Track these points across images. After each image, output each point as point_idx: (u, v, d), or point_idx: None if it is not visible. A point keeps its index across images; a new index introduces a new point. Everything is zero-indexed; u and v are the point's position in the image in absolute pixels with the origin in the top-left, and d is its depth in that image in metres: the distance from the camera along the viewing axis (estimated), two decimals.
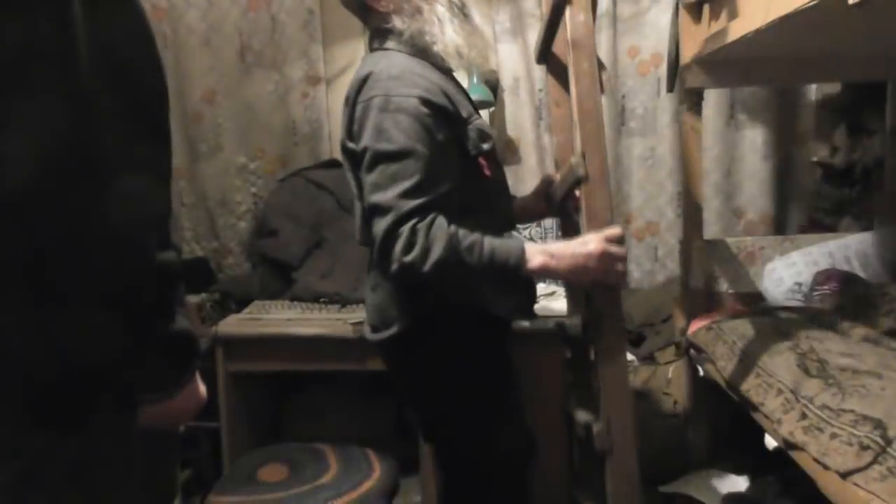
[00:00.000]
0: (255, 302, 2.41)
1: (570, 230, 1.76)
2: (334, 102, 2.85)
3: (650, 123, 2.74)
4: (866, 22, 1.07)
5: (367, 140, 1.34)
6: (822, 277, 2.00)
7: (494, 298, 1.46)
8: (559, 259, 1.35)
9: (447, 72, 1.51)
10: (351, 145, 1.43)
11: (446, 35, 1.45)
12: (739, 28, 1.66)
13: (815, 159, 2.62)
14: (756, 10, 1.53)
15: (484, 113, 2.75)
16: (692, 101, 2.10)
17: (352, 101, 1.42)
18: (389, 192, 1.30)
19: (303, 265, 2.50)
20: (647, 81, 2.73)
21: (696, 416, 2.13)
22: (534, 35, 2.70)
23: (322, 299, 2.35)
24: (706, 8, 1.97)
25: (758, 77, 2.07)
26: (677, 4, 2.10)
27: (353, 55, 2.83)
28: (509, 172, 2.79)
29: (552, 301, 2.32)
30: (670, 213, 2.73)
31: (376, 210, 1.32)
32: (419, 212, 1.30)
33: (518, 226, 2.20)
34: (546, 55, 1.86)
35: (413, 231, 1.29)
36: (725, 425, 2.07)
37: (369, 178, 1.34)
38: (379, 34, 1.50)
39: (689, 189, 2.13)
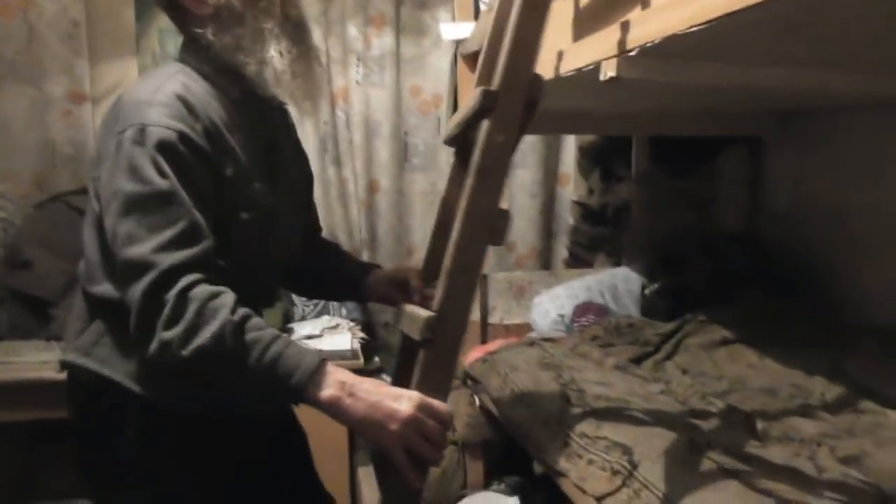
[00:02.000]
0: (3, 342, 2.15)
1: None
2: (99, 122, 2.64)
3: (431, 160, 2.87)
4: (616, 90, 1.23)
5: (117, 180, 1.06)
6: (581, 310, 2.21)
7: (167, 388, 1.14)
8: (357, 399, 1.04)
9: (265, 103, 1.24)
10: (95, 177, 1.15)
11: (266, 55, 1.18)
12: None
13: (574, 199, 2.91)
14: None
15: None
16: None
17: (103, 124, 1.17)
18: (147, 244, 1.03)
19: (62, 301, 2.28)
20: (429, 120, 2.86)
21: (472, 443, 2.25)
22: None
23: None
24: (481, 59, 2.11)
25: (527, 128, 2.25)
26: (455, 53, 2.23)
27: (123, 73, 2.66)
28: None
29: (335, 335, 2.33)
30: None
31: (130, 267, 1.04)
32: (186, 269, 1.03)
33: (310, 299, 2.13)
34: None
35: (182, 299, 1.01)
36: (499, 451, 2.20)
37: (121, 228, 1.05)
38: (185, 44, 1.23)
39: None
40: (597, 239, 2.80)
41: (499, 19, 1.21)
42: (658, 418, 1.44)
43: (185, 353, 0.99)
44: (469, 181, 1.06)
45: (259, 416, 1.28)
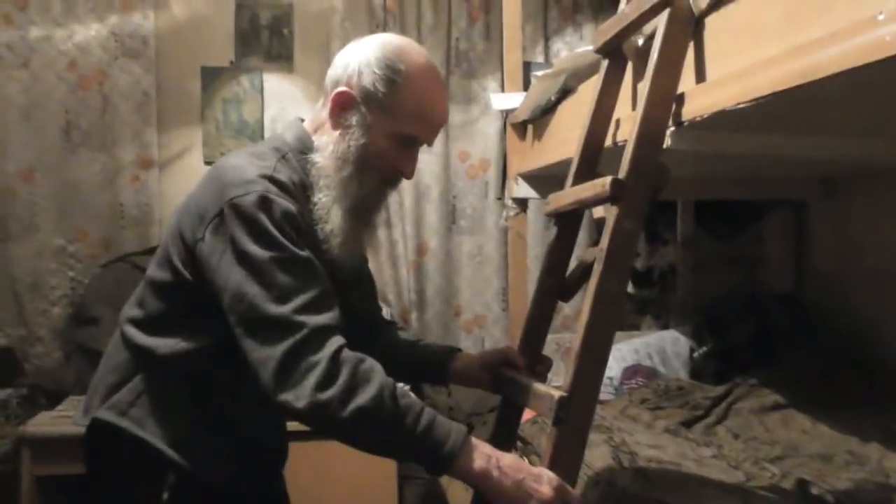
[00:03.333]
0: (71, 397, 2.24)
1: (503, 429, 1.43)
2: (167, 187, 2.79)
3: (478, 223, 2.94)
4: (664, 157, 1.29)
5: (241, 241, 1.07)
6: (630, 372, 2.22)
7: (205, 458, 1.15)
8: (504, 475, 1.05)
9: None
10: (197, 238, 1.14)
11: (330, 204, 1.17)
12: (558, 152, 1.87)
13: None
14: (568, 140, 1.75)
15: None
16: (517, 208, 2.31)
17: (204, 189, 1.18)
18: (288, 305, 1.04)
19: None
20: (476, 184, 2.94)
21: None
22: None
23: None
24: (530, 128, 2.19)
25: None
26: (505, 121, 2.33)
27: (188, 140, 2.82)
28: None
29: None
30: (496, 307, 2.91)
31: (268, 325, 1.04)
32: (331, 331, 1.05)
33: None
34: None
35: (335, 360, 1.02)
36: None
37: (251, 289, 1.05)
38: (304, 134, 1.24)
39: (515, 288, 2.31)
40: (643, 301, 2.82)
41: (600, 110, 1.32)
42: (711, 483, 1.44)
43: (344, 413, 1.00)
44: (598, 266, 1.11)
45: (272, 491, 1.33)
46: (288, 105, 2.87)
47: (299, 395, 1.00)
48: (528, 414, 2.17)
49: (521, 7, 2.31)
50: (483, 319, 2.94)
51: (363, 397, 1.00)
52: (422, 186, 2.89)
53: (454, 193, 2.93)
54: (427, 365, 1.39)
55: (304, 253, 1.08)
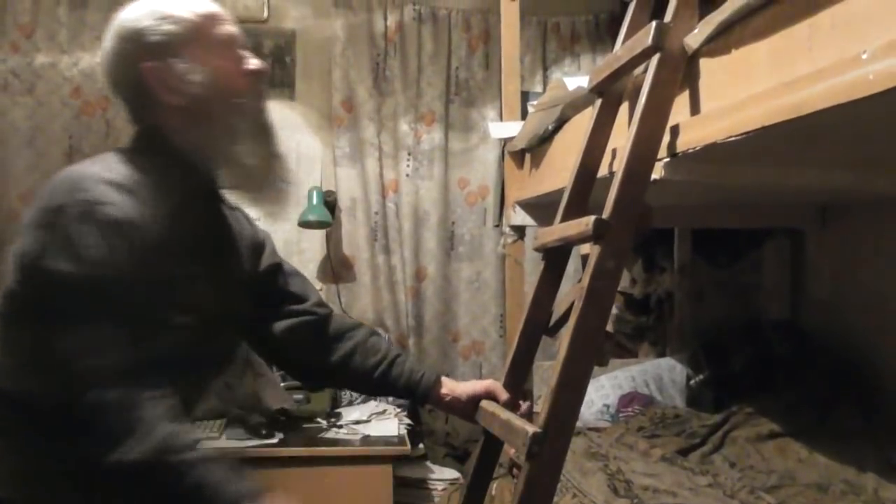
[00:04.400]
0: None
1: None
2: None
3: (477, 249, 2.96)
4: (661, 187, 1.31)
5: (48, 258, 0.97)
6: (626, 400, 2.22)
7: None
8: None
9: (219, 200, 1.20)
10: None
11: (233, 154, 1.14)
12: (555, 181, 1.89)
13: (618, 288, 2.95)
14: (564, 168, 1.77)
15: (320, 232, 2.85)
16: (515, 235, 2.32)
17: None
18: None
19: None
20: (475, 211, 2.97)
21: None
22: (371, 163, 2.88)
23: None
24: (528, 156, 2.22)
25: None
26: (503, 148, 2.36)
27: None
28: (343, 290, 2.89)
29: (382, 420, 2.37)
30: (494, 333, 2.92)
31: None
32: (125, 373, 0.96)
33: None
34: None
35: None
36: None
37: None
38: (139, 133, 1.16)
39: (512, 314, 2.32)
40: (640, 328, 2.83)
41: (592, 144, 1.34)
42: None
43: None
44: (578, 303, 1.11)
45: None
46: (289, 132, 2.90)
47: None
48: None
49: (520, 38, 2.34)
50: (481, 346, 2.95)
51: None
52: (420, 213, 2.91)
53: (453, 220, 2.95)
54: (408, 382, 1.35)
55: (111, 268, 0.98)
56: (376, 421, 2.33)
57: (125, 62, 1.11)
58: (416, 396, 1.36)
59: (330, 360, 1.32)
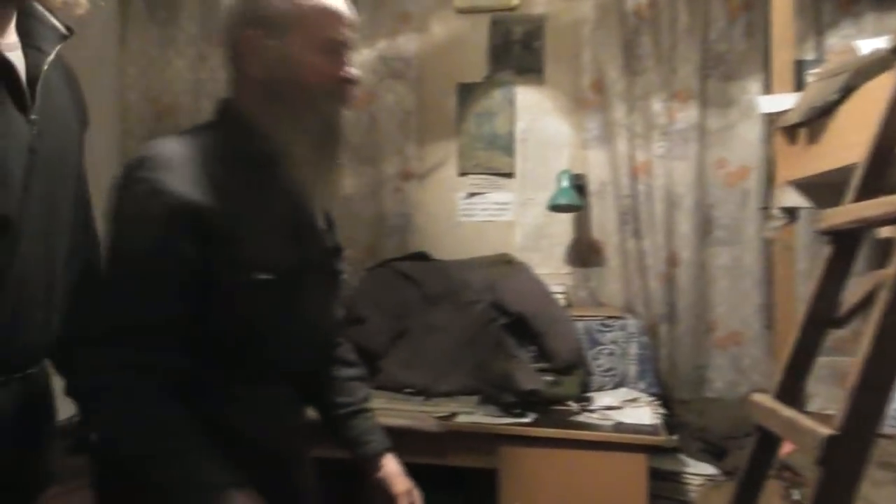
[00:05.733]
0: None
1: None
2: (424, 197, 2.98)
3: (736, 234, 2.76)
4: None
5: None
6: None
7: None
8: None
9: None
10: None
11: (292, 138, 1.14)
12: (837, 158, 1.70)
13: None
14: (849, 144, 1.58)
15: (568, 216, 2.84)
16: (786, 218, 2.13)
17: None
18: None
19: (387, 354, 2.56)
20: (734, 193, 2.77)
21: None
22: (622, 143, 2.80)
23: (407, 390, 2.40)
24: (803, 131, 2.02)
25: None
26: (770, 124, 2.16)
27: (445, 152, 2.98)
28: (593, 274, 2.86)
29: (635, 408, 2.31)
30: (756, 324, 2.71)
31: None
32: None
33: None
34: None
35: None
36: None
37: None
38: (223, 102, 1.21)
39: (782, 304, 2.13)
40: None
41: (891, 120, 1.18)
42: None
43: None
44: (884, 293, 1.01)
45: None
46: (538, 116, 2.93)
47: None
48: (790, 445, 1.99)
49: (792, 0, 2.13)
50: (740, 337, 2.75)
51: None
52: (674, 195, 2.78)
53: (709, 202, 2.78)
54: (356, 439, 1.33)
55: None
56: (629, 408, 2.28)
57: (233, 23, 1.15)
58: (356, 455, 1.33)
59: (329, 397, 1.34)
